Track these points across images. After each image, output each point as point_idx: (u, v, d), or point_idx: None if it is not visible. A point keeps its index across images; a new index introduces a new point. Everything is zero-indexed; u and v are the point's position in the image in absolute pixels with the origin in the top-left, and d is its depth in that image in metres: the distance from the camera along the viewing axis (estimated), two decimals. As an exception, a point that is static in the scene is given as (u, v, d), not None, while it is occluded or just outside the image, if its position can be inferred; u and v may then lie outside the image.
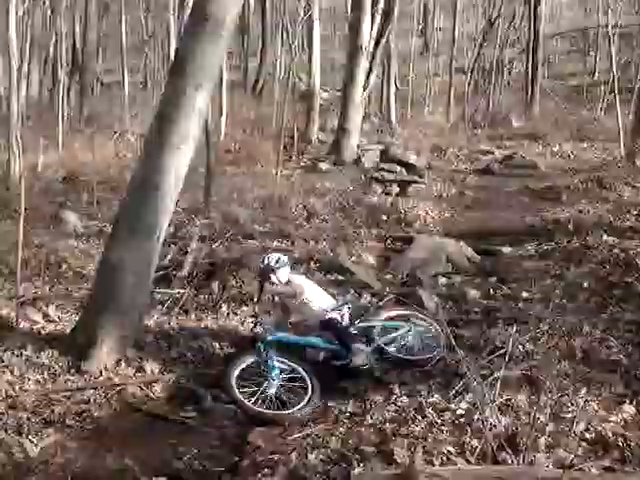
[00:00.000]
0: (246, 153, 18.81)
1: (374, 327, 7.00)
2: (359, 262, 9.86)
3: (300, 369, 6.46)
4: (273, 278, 6.92)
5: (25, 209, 12.38)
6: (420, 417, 5.55)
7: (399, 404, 5.90)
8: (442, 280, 9.28)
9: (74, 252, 10.77)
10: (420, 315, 7.34)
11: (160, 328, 7.70)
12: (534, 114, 26.38)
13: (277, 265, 6.94)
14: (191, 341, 7.37)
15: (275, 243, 11.09)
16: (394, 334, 6.99)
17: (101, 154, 17.75)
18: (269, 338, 6.50)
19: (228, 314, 8.14)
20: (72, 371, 6.58)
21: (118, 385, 6.40)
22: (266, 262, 6.97)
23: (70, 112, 25.07)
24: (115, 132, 20.89)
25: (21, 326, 7.52)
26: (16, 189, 14.68)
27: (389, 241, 10.99)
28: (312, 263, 9.51)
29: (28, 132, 18.12)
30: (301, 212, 12.92)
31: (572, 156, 19.18)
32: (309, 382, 6.30)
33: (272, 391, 6.21)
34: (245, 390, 6.18)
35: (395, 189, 13.98)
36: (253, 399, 6.11)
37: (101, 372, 6.60)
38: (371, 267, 9.84)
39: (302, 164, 18.07)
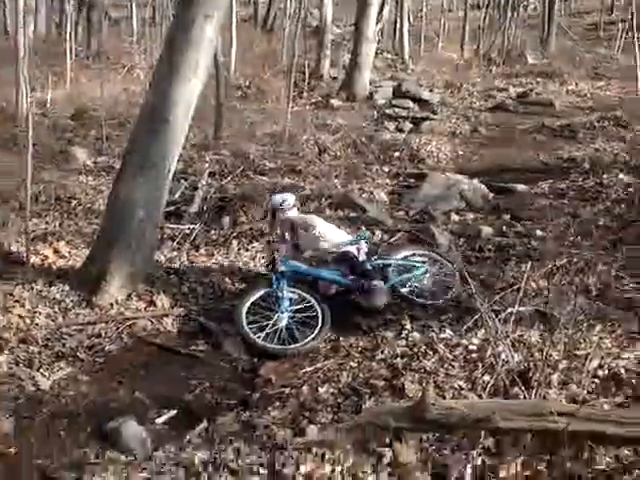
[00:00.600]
0: (256, 89, 18.55)
1: (390, 265, 6.89)
2: (371, 199, 9.74)
3: (311, 298, 6.38)
4: (282, 216, 6.93)
5: (33, 145, 12.37)
6: (431, 352, 5.51)
7: (410, 339, 5.86)
8: (455, 217, 9.17)
9: (84, 188, 10.70)
10: (435, 254, 7.26)
11: (171, 263, 7.66)
12: (550, 52, 25.85)
13: (282, 207, 6.95)
14: (202, 277, 7.33)
15: (286, 180, 10.98)
16: (409, 274, 6.87)
17: (110, 90, 17.49)
18: (282, 268, 6.44)
19: (239, 250, 8.08)
20: (83, 305, 6.57)
21: (129, 319, 6.38)
22: (272, 203, 7.02)
23: (78, 48, 24.68)
24: (124, 66, 20.57)
25: (32, 261, 7.48)
26: (24, 126, 14.68)
27: (401, 178, 10.85)
28: (323, 200, 9.39)
29: (35, 68, 17.87)
30: (312, 148, 12.74)
31: (588, 94, 18.79)
32: (320, 313, 6.24)
33: (282, 324, 6.17)
34: (254, 324, 6.15)
35: (408, 125, 13.75)
36: (262, 333, 6.08)
37: (112, 306, 6.58)
38: (383, 204, 9.72)
39: (313, 100, 17.79)
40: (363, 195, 9.89)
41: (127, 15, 34.38)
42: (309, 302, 6.35)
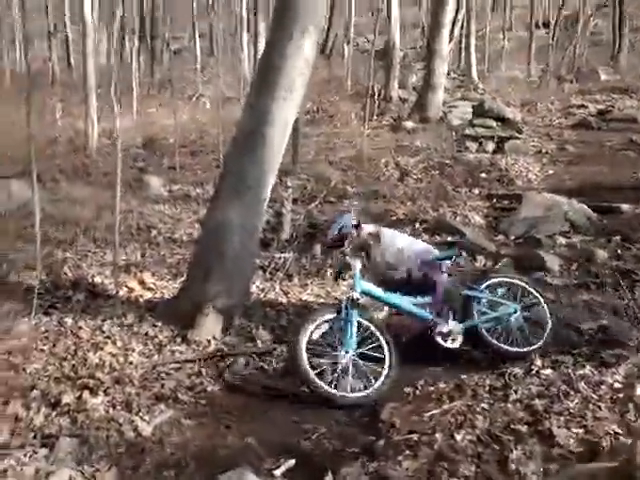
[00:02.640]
0: (324, 113, 18.24)
1: (479, 300, 5.94)
2: (466, 222, 9.17)
3: (377, 332, 5.49)
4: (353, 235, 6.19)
5: (106, 174, 12.18)
6: (572, 392, 4.88)
7: (543, 377, 5.24)
8: (561, 240, 8.52)
9: (161, 217, 10.40)
10: (524, 283, 6.17)
11: (265, 294, 7.19)
12: (621, 67, 25.12)
13: (355, 225, 6.18)
14: (300, 309, 6.83)
15: (372, 204, 10.50)
16: (495, 313, 5.91)
17: (178, 119, 17.30)
18: (357, 290, 5.53)
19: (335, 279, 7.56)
20: (178, 341, 6.14)
21: (229, 356, 5.89)
22: (343, 223, 6.21)
23: (142, 78, 24.76)
24: (191, 96, 20.47)
25: (119, 294, 7.10)
26: (95, 156, 14.55)
27: (494, 200, 10.23)
28: (417, 224, 8.86)
29: (101, 100, 17.86)
30: (393, 172, 12.28)
31: (672, 109, 17.96)
32: (387, 351, 5.41)
33: (345, 365, 5.31)
34: (316, 364, 5.31)
35: (491, 146, 13.15)
36: (327, 377, 5.27)
37: (209, 342, 6.12)
38: (480, 227, 9.13)
39: (384, 123, 17.34)
40: (457, 219, 9.32)
41: (185, 45, 34.73)
42: (376, 337, 5.48)
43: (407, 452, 4.44)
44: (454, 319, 5.77)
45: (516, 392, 5.02)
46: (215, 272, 6.28)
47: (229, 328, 6.27)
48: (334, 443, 4.76)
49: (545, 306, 5.97)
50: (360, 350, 5.39)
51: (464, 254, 6.56)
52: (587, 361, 5.43)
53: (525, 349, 5.74)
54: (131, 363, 5.79)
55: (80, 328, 6.32)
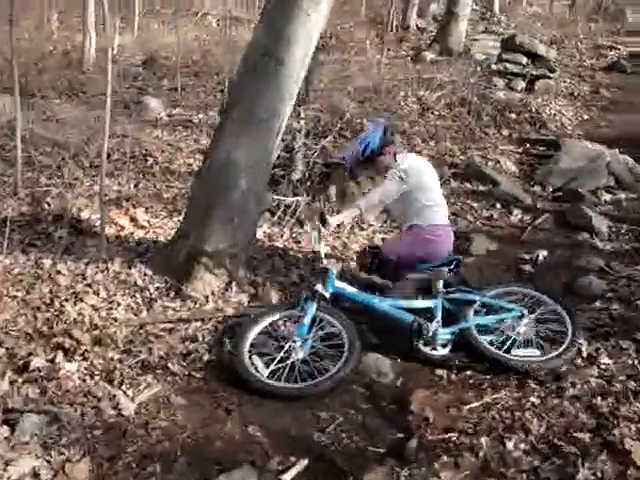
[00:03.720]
0: (337, 40, 17.02)
1: (472, 302, 4.84)
2: (498, 169, 8.21)
3: (340, 328, 4.61)
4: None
5: (102, 94, 11.12)
6: (641, 390, 4.06)
7: (603, 367, 4.41)
8: (605, 196, 7.59)
9: (159, 144, 9.40)
10: (542, 294, 4.92)
11: (273, 243, 6.29)
12: (651, 8, 23.78)
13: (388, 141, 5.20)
14: (312, 261, 5.93)
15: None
16: (494, 316, 4.79)
17: (181, 38, 16.13)
18: (322, 291, 4.64)
19: (352, 228, 6.66)
20: (171, 295, 5.27)
21: (231, 317, 5.03)
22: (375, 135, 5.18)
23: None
24: (197, 13, 19.18)
25: (106, 232, 6.20)
26: (91, 72, 13.46)
27: (527, 145, 9.24)
28: (446, 169, 7.90)
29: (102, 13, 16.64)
30: (413, 106, 11.21)
31: None
32: (346, 348, 4.48)
33: (298, 356, 4.47)
34: (260, 357, 4.50)
35: (520, 84, 12.04)
36: (268, 369, 4.40)
37: (207, 298, 5.25)
38: (513, 176, 8.18)
39: (402, 53, 16.17)
40: (488, 164, 8.36)
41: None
42: (336, 329, 4.64)
43: (445, 458, 3.64)
44: (441, 322, 4.72)
45: (573, 386, 4.19)
46: (216, 216, 5.37)
47: (231, 282, 5.39)
48: (355, 439, 3.95)
49: (568, 320, 4.72)
50: (315, 345, 4.57)
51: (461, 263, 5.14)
52: (655, 347, 4.58)
53: (533, 359, 4.50)
54: (115, 320, 4.95)
55: (59, 272, 5.45)
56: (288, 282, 5.56)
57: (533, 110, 10.69)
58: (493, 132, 9.77)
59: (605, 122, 10.86)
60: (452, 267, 4.85)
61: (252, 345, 4.52)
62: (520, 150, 9.04)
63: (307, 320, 4.51)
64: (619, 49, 16.84)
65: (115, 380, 4.27)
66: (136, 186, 7.91)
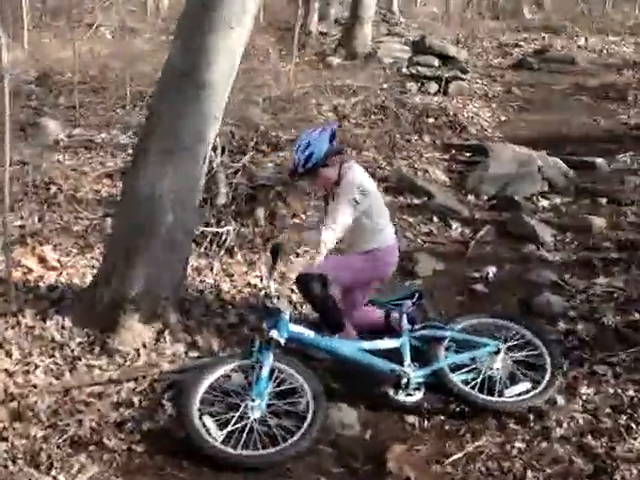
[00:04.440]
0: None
1: (442, 339, 4.38)
2: (428, 180, 7.88)
3: (299, 376, 4.09)
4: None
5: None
6: (634, 425, 3.74)
7: (585, 399, 4.08)
8: (542, 202, 7.36)
9: (62, 170, 8.62)
10: (523, 327, 4.52)
11: (203, 278, 5.71)
12: (546, 5, 24.33)
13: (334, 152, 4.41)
14: (250, 297, 5.41)
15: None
16: (469, 354, 4.35)
17: (76, 51, 15.19)
18: (278, 337, 4.06)
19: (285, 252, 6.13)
20: (96, 351, 4.64)
21: (169, 373, 4.44)
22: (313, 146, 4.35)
23: (32, 4, 22.11)
24: (90, 25, 18.21)
25: (12, 278, 5.50)
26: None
27: (453, 151, 8.95)
28: (375, 182, 7.47)
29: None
30: (328, 115, 10.80)
31: (604, 51, 17.13)
32: (310, 403, 3.95)
33: (254, 416, 3.89)
34: (212, 417, 3.90)
35: (434, 87, 11.83)
36: (223, 432, 3.82)
37: (138, 352, 4.64)
38: (444, 186, 7.86)
39: (307, 59, 15.74)
40: (418, 174, 8.01)
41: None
42: (296, 385, 4.09)
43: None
44: (412, 364, 4.24)
45: (559, 424, 3.82)
46: (141, 257, 4.77)
47: (164, 330, 4.79)
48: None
49: (544, 348, 4.36)
50: (274, 401, 4.02)
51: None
52: (630, 372, 4.27)
53: (515, 399, 4.10)
54: (34, 387, 4.29)
55: (-41, 332, 4.73)
56: (226, 324, 5.01)
57: (451, 114, 10.46)
58: (415, 139, 9.45)
59: (523, 123, 10.76)
60: (415, 300, 4.40)
61: (201, 402, 3.94)
62: (447, 157, 8.75)
63: (264, 374, 3.95)
64: (522, 46, 16.96)
65: (42, 464, 3.65)
66: (40, 220, 7.16)
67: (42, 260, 6.05)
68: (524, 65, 14.71)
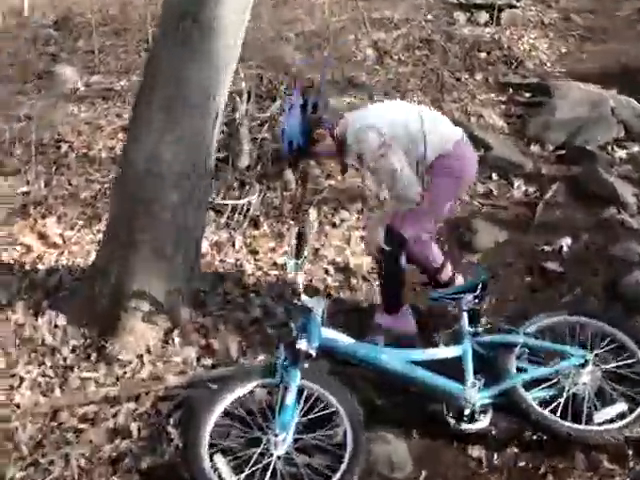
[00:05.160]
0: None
1: (513, 346, 3.48)
2: (483, 125, 6.86)
3: (336, 403, 3.20)
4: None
5: (11, 64, 9.49)
6: None
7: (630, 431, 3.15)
8: (619, 153, 6.28)
9: (75, 124, 7.82)
10: (609, 325, 3.57)
11: (222, 257, 4.88)
12: None
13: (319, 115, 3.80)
14: (277, 283, 4.56)
15: (346, 98, 8.09)
16: (548, 368, 3.43)
17: (96, -11, 14.17)
18: (307, 348, 3.17)
19: (321, 224, 5.27)
20: (92, 358, 3.88)
21: (177, 388, 3.65)
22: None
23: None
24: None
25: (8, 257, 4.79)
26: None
27: (510, 90, 7.84)
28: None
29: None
30: (367, 52, 9.73)
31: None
32: (348, 432, 3.11)
33: (281, 452, 3.07)
34: (227, 456, 3.10)
35: (483, 16, 10.60)
36: (243, 474, 3.01)
37: (142, 358, 3.87)
38: (502, 133, 6.83)
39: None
40: (471, 120, 6.99)
41: None
42: (330, 410, 3.23)
43: None
44: (477, 379, 3.35)
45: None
46: (144, 244, 3.96)
47: (172, 330, 3.99)
48: None
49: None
50: (302, 435, 3.19)
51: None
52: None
53: (607, 426, 3.17)
54: (17, 407, 3.54)
55: None
56: (248, 320, 4.17)
57: (505, 46, 9.29)
58: (465, 77, 8.36)
59: (586, 54, 9.52)
60: (480, 292, 3.49)
61: (212, 436, 3.13)
62: (503, 98, 7.66)
63: (290, 400, 3.10)
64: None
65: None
66: (47, 185, 6.40)
67: (43, 236, 5.32)
68: (582, -12, 13.25)
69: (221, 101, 4.03)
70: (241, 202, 5.22)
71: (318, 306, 3.33)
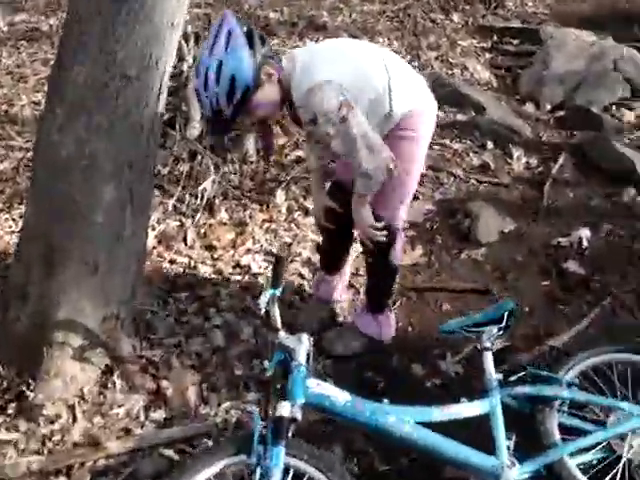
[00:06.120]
0: None
1: (553, 400, 2.70)
2: (469, 81, 5.99)
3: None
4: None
5: None
6: None
7: None
8: (627, 115, 5.49)
9: (-5, 73, 6.73)
10: None
11: (173, 257, 3.97)
12: None
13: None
14: (239, 288, 3.70)
15: (309, 42, 7.15)
16: (601, 432, 2.60)
17: None
18: (291, 413, 2.31)
19: (290, 210, 4.39)
20: (10, 411, 2.97)
21: (120, 456, 2.80)
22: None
23: None
24: None
25: None
26: None
27: (494, 37, 6.95)
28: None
29: None
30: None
31: None
32: None
33: None
34: None
35: (455, -55, 9.59)
36: None
37: (73, 411, 2.98)
38: (489, 88, 5.98)
39: None
40: (454, 72, 6.11)
41: None
42: None
43: None
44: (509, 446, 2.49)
45: None
46: (68, 256, 3.02)
47: (111, 370, 3.11)
48: None
49: None
50: None
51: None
52: None
53: None
54: None
55: None
56: (208, 349, 3.30)
57: (482, -14, 8.33)
58: (441, 18, 7.45)
59: (573, -3, 8.63)
60: (506, 323, 2.70)
61: None
62: (487, 45, 6.79)
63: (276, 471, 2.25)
64: None
65: None
66: (-40, 155, 5.38)
67: (-50, 224, 4.33)
68: None
69: (166, 68, 3.07)
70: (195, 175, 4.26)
71: (301, 347, 2.49)
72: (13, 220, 4.43)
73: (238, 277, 3.76)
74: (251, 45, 2.65)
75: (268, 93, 2.75)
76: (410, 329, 3.47)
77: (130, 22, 2.83)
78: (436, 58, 6.31)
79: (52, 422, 2.90)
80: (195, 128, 4.74)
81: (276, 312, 2.50)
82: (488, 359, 2.66)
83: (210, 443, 2.76)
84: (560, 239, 4.02)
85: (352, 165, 2.84)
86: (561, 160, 4.75)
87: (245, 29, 2.70)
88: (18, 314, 3.12)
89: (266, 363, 2.50)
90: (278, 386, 2.38)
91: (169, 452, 2.74)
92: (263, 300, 2.43)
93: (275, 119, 2.80)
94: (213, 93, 2.66)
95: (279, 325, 2.50)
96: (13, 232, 4.28)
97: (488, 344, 2.67)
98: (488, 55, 6.56)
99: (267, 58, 2.72)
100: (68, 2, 3.06)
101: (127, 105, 2.94)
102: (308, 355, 2.47)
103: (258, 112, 2.80)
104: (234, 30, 2.65)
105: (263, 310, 2.45)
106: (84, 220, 3.01)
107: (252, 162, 4.71)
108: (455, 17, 7.51)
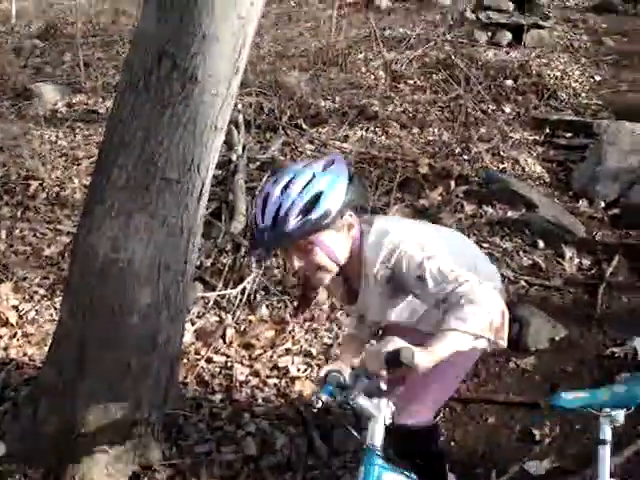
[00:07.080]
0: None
1: None
2: (520, 175, 5.88)
3: None
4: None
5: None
6: None
7: None
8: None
9: (50, 155, 6.87)
10: None
11: (210, 356, 3.88)
12: None
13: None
14: (276, 394, 3.58)
15: (357, 132, 7.16)
16: None
17: (83, -4, 13.11)
18: None
19: (332, 307, 4.28)
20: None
21: None
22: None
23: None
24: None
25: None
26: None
27: (547, 129, 6.86)
28: (452, 182, 5.52)
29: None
30: (379, 74, 8.80)
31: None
32: None
33: None
34: None
35: (506, 36, 9.67)
36: None
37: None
38: (541, 184, 5.86)
39: (349, 0, 13.55)
40: (505, 165, 6.02)
41: None
42: None
43: None
44: None
45: None
46: (102, 358, 2.96)
47: (139, 478, 2.99)
48: None
49: None
50: None
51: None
52: None
53: None
54: None
55: None
56: (240, 459, 3.16)
57: (533, 73, 8.33)
58: (493, 109, 7.41)
59: (624, 83, 8.55)
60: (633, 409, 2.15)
61: None
62: (539, 138, 6.69)
63: None
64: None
65: None
66: (9, 234, 5.45)
67: (-7, 310, 4.33)
68: (605, 6, 12.26)
69: (208, 172, 3.04)
70: (237, 288, 4.19)
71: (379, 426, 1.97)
72: (54, 308, 4.41)
73: (275, 380, 3.63)
74: (350, 182, 2.22)
75: (338, 241, 2.24)
76: (453, 444, 3.27)
77: (173, 126, 2.82)
78: (487, 151, 6.21)
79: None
80: (240, 222, 4.70)
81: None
82: (607, 448, 2.11)
83: None
84: (614, 349, 3.80)
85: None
86: (615, 261, 4.55)
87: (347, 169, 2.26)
88: (48, 414, 3.04)
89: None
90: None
91: None
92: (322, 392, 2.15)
93: (322, 284, 2.27)
94: (289, 199, 2.14)
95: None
96: (53, 320, 4.24)
97: (608, 435, 2.15)
98: (540, 148, 6.45)
99: (354, 209, 2.29)
100: (112, 103, 3.06)
101: (167, 208, 2.91)
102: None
103: (314, 254, 2.20)
104: (339, 162, 2.27)
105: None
106: (118, 322, 2.95)
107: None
108: (507, 108, 7.47)
